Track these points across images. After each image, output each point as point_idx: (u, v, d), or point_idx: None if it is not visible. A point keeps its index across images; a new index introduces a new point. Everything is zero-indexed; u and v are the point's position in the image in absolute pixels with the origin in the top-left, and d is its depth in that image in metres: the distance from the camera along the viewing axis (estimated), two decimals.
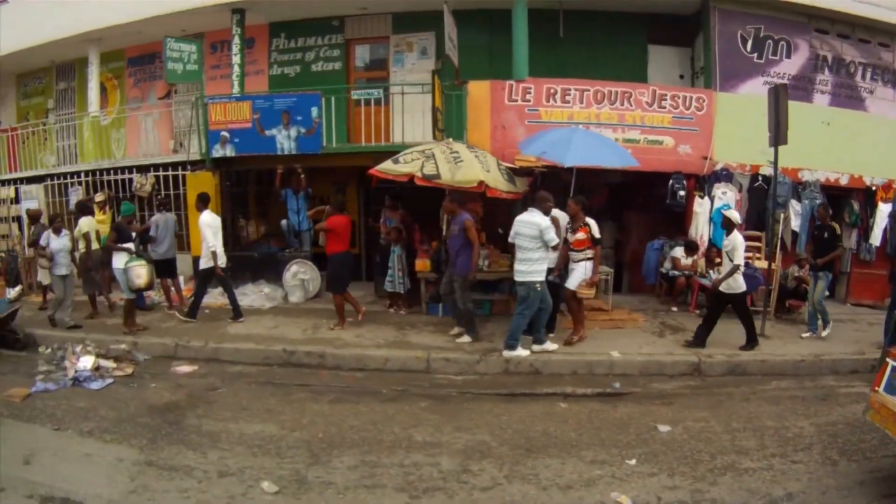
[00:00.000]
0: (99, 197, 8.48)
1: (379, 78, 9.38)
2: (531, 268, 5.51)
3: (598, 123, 8.02)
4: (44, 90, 12.34)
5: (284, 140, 7.87)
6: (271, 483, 3.66)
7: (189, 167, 8.38)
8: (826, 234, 6.80)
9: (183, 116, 10.41)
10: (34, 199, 9.41)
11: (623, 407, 4.99)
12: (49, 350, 6.54)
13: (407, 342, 6.40)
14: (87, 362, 5.85)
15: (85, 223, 7.56)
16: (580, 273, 6.00)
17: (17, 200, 9.77)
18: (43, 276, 7.61)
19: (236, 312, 7.09)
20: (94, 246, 7.50)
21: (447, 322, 6.95)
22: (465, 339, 6.23)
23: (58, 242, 6.85)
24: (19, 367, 6.03)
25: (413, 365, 5.93)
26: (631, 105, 8.16)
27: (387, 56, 9.45)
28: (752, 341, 6.14)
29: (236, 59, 8.94)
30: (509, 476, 3.74)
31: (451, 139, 7.06)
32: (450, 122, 8.03)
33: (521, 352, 5.73)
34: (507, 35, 8.37)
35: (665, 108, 8.21)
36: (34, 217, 8.36)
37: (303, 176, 7.91)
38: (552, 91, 8.04)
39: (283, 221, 8.09)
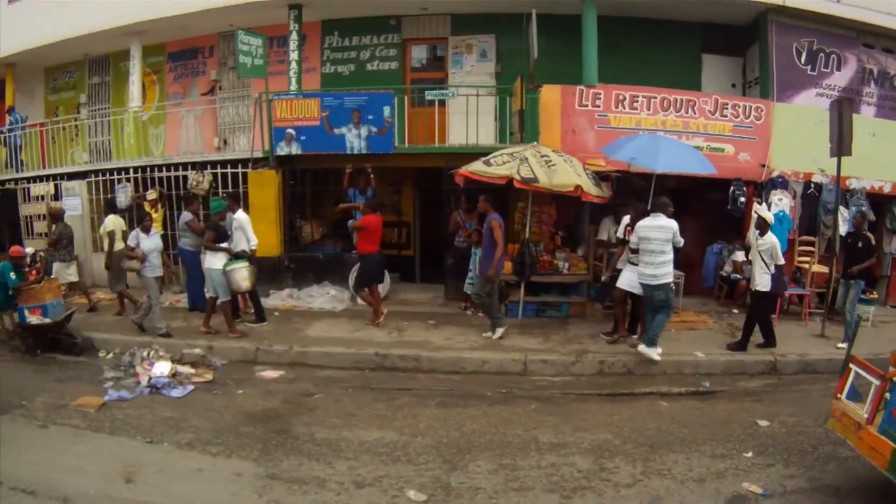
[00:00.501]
0: (151, 195, 8.20)
1: (436, 79, 9.33)
2: (664, 270, 5.63)
3: (665, 130, 8.13)
4: (75, 84, 11.90)
5: (354, 139, 7.76)
6: (417, 491, 3.59)
7: (250, 164, 8.16)
8: (860, 244, 6.95)
9: (227, 113, 10.20)
10: (76, 195, 9.02)
11: (719, 404, 5.19)
12: (111, 355, 6.31)
13: (498, 344, 6.37)
14: (163, 368, 5.63)
15: (110, 221, 7.41)
16: (636, 275, 6.02)
17: (56, 197, 9.36)
18: (113, 278, 7.37)
19: (259, 315, 6.95)
20: (119, 245, 7.31)
21: (527, 324, 6.97)
22: (491, 333, 6.44)
23: (149, 242, 6.54)
24: (80, 373, 5.82)
25: (510, 367, 5.93)
26: (694, 113, 8.29)
27: (444, 57, 9.41)
28: (769, 339, 6.27)
29: (294, 56, 8.78)
30: (645, 472, 3.86)
31: (535, 143, 7.06)
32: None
33: (656, 351, 5.80)
34: (567, 40, 8.45)
35: (726, 116, 8.37)
36: (56, 216, 8.01)
37: (372, 176, 7.80)
38: (621, 97, 8.12)
39: (350, 221, 7.95)
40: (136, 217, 7.47)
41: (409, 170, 8.92)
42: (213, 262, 6.41)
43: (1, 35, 10.95)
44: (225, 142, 10.18)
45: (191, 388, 5.35)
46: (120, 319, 7.28)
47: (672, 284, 5.78)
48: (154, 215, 8.21)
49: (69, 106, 11.92)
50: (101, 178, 9.14)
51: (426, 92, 7.97)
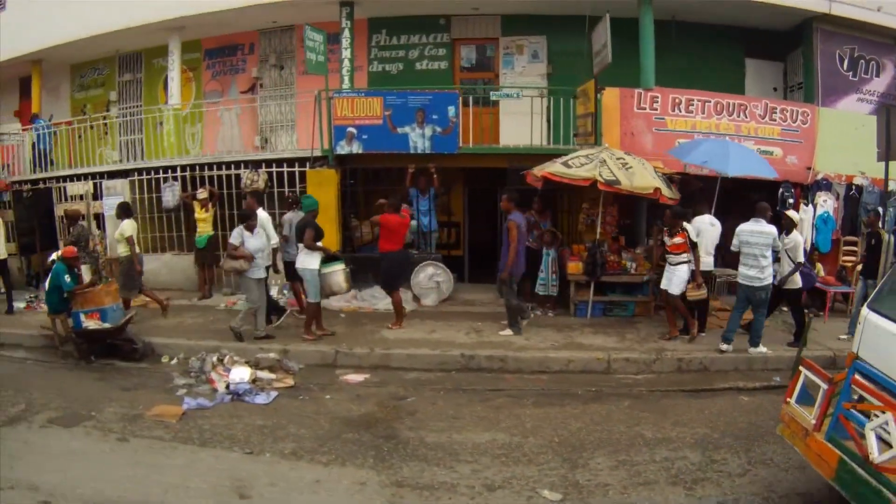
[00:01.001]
0: (202, 193, 7.98)
1: (486, 79, 9.34)
2: (767, 273, 5.82)
3: (718, 133, 8.27)
4: (104, 82, 11.60)
5: (418, 139, 7.71)
6: (550, 491, 3.60)
7: (308, 163, 8.04)
8: (874, 241, 7.02)
9: (269, 112, 10.05)
10: (118, 195, 8.75)
11: None
12: (175, 360, 6.14)
13: (577, 343, 6.41)
14: (242, 374, 5.46)
15: (128, 226, 7.22)
16: (682, 276, 6.19)
17: (97, 196, 9.10)
18: (127, 283, 7.14)
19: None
20: (136, 249, 7.21)
21: (597, 323, 7.07)
22: (508, 332, 6.52)
23: (255, 242, 6.21)
24: (146, 380, 5.66)
25: (594, 366, 5.97)
26: (745, 117, 8.45)
27: (493, 57, 9.43)
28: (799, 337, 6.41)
29: (346, 54, 8.70)
30: (751, 462, 3.98)
31: (605, 145, 7.11)
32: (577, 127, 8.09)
33: (763, 349, 6.04)
34: (621, 43, 8.50)
35: (775, 120, 8.56)
36: (74, 217, 7.76)
37: (435, 176, 7.77)
38: (677, 101, 8.24)
39: (413, 222, 7.90)
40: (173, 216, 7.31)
41: (458, 170, 8.90)
42: (310, 262, 6.20)
43: (28, 31, 10.65)
44: (266, 140, 10.02)
45: (274, 394, 5.21)
46: (179, 322, 7.11)
47: (771, 287, 5.96)
48: (204, 215, 8.07)
49: (98, 104, 11.61)
50: (143, 176, 8.91)
51: (491, 93, 7.95)
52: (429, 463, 3.94)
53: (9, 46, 11.05)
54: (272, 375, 5.69)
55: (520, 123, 8.24)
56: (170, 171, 8.77)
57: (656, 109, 8.17)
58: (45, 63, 11.39)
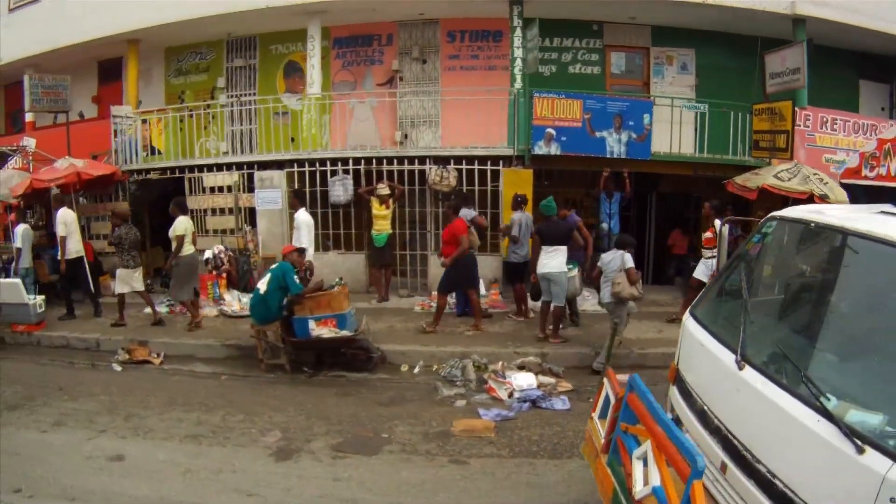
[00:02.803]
0: (383, 189, 7.61)
1: (635, 86, 9.57)
2: None
3: (855, 150, 8.96)
4: (208, 67, 10.70)
5: (615, 143, 7.81)
6: None
7: (503, 162, 7.89)
8: None
9: (409, 106, 9.75)
10: (275, 188, 8.18)
11: None
12: (416, 369, 5.85)
13: None
14: (529, 380, 5.39)
15: (181, 224, 6.83)
16: (707, 267, 6.48)
17: (248, 188, 8.45)
18: (178, 286, 6.88)
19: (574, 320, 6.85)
20: (190, 249, 6.85)
21: None
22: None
23: None
24: (402, 392, 5.33)
25: None
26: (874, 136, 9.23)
27: (642, 65, 9.68)
28: None
29: (519, 53, 8.60)
30: None
31: (795, 161, 7.51)
32: (743, 141, 8.48)
33: None
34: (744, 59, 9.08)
35: None
36: (122, 216, 7.19)
37: (628, 180, 7.91)
38: (824, 119, 8.83)
39: (604, 224, 7.99)
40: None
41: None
42: (557, 265, 6.14)
43: (124, 8, 9.69)
44: (406, 136, 9.71)
45: (565, 398, 5.14)
46: (389, 328, 6.77)
47: None
48: (385, 212, 7.70)
49: (200, 90, 10.71)
50: (302, 168, 8.37)
51: (682, 103, 8.17)
52: None
53: (96, 24, 10.05)
54: (552, 380, 5.62)
55: (664, 131, 8.48)
56: (322, 163, 8.28)
57: (808, 126, 8.73)
58: (143, 44, 10.39)
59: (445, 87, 9.44)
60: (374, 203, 7.63)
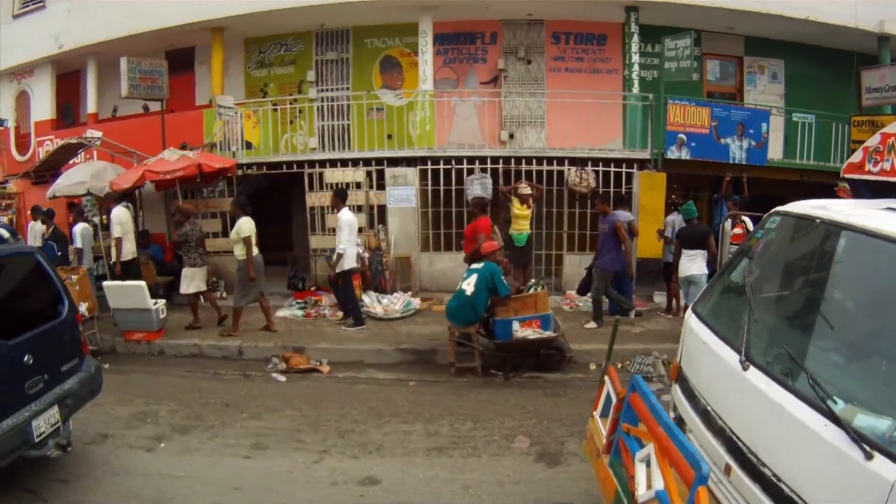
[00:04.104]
0: (524, 189, 7.70)
1: (729, 93, 9.98)
2: None
3: None
4: (295, 59, 10.40)
5: (737, 150, 8.19)
6: None
7: (639, 165, 8.12)
8: None
9: (514, 106, 9.83)
10: (408, 185, 8.12)
11: None
12: (595, 366, 5.89)
13: None
14: None
15: (246, 225, 6.61)
16: None
17: (380, 186, 8.30)
18: (241, 290, 6.64)
19: (357, 319, 6.86)
20: (254, 252, 6.69)
21: None
22: (592, 325, 6.79)
23: None
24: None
25: None
26: None
27: (735, 74, 10.09)
28: None
29: (636, 59, 8.86)
30: None
31: None
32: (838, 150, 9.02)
33: None
34: (837, 71, 9.66)
35: None
36: (186, 214, 7.06)
37: (746, 185, 8.31)
38: None
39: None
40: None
41: (705, 177, 9.46)
42: (698, 268, 6.41)
43: None
44: (511, 136, 9.79)
45: None
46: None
47: None
48: (525, 211, 7.75)
49: (285, 83, 10.42)
50: (435, 165, 8.26)
51: (794, 115, 8.59)
52: None
53: (177, 11, 9.67)
54: None
55: (771, 140, 8.96)
56: (475, 161, 8.25)
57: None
58: (227, 32, 10.02)
59: (550, 88, 9.59)
60: (515, 202, 7.66)
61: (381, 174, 8.41)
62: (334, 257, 6.75)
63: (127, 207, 7.64)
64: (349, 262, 6.74)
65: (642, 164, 8.15)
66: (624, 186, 8.04)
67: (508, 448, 4.32)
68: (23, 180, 10.43)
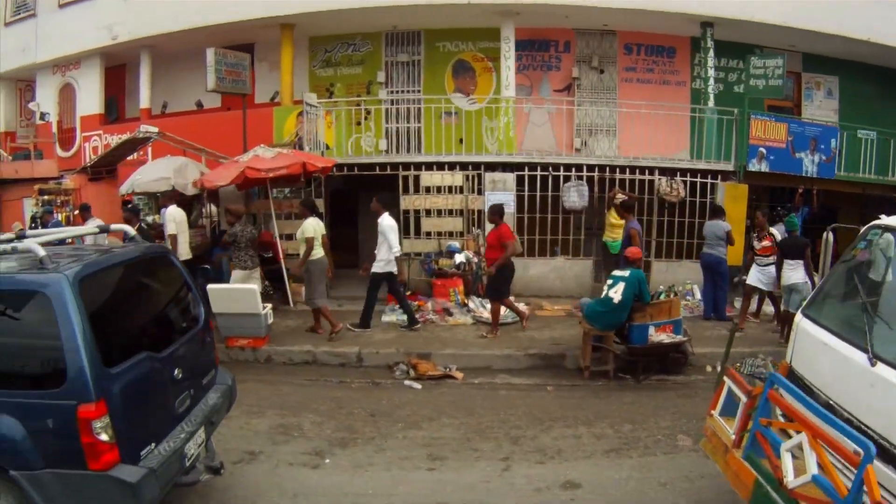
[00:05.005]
0: (620, 197, 7.94)
1: (787, 108, 10.45)
2: None
3: None
4: (363, 59, 10.37)
5: (809, 164, 8.64)
6: None
7: (720, 176, 8.44)
8: None
9: (586, 115, 10.06)
10: (507, 190, 8.17)
11: None
12: (718, 368, 5.88)
13: None
14: None
15: (310, 225, 6.67)
16: (764, 275, 6.99)
17: (480, 190, 8.36)
18: (313, 291, 6.62)
19: (411, 320, 6.94)
20: (320, 253, 6.71)
21: None
22: None
23: None
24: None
25: None
26: None
27: (793, 88, 10.56)
28: None
29: (711, 73, 9.20)
30: None
31: None
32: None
33: None
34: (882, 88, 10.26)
35: None
36: (237, 215, 6.98)
37: (816, 197, 8.78)
38: None
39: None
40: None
41: (776, 189, 9.78)
42: (799, 276, 6.69)
43: None
44: (584, 143, 10.02)
45: None
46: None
47: None
48: (620, 220, 7.88)
49: (353, 84, 10.40)
50: (536, 172, 8.34)
51: (858, 131, 9.08)
52: None
53: (244, 5, 9.54)
54: None
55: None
56: (544, 168, 8.45)
57: None
58: (296, 29, 9.91)
59: (622, 98, 9.85)
60: (612, 211, 7.91)
61: (472, 178, 8.46)
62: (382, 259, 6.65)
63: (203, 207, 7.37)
64: (389, 266, 6.73)
65: (725, 175, 8.51)
66: (709, 196, 8.38)
67: (675, 446, 4.48)
68: (79, 175, 10.14)
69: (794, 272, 6.72)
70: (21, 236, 3.41)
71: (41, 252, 2.81)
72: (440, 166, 8.42)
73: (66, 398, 2.58)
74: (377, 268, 6.75)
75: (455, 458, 4.26)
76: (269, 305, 6.63)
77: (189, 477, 3.19)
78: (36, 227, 9.04)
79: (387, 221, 6.70)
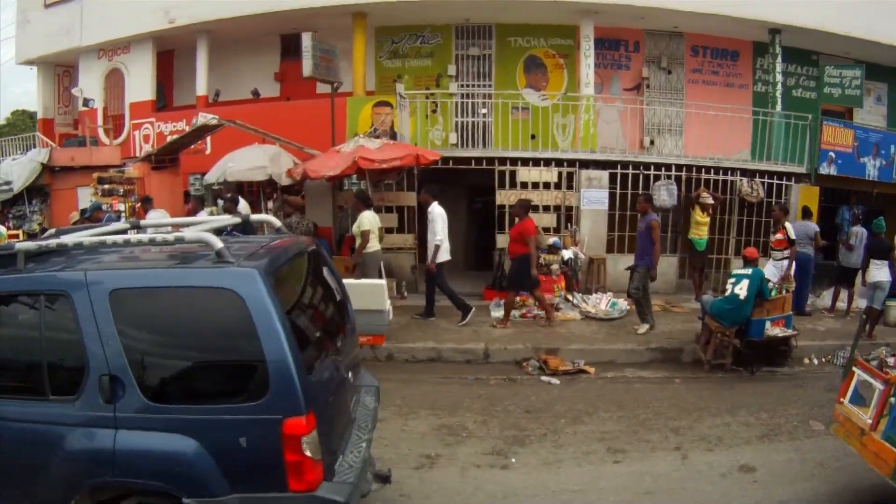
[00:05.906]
0: (706, 197, 8.17)
1: (839, 113, 10.95)
2: None
3: None
4: (432, 52, 10.33)
5: (871, 168, 9.21)
6: None
7: (794, 178, 8.86)
8: None
9: (655, 114, 10.34)
10: (602, 188, 8.37)
11: None
12: (816, 361, 6.43)
13: None
14: None
15: (367, 219, 6.69)
16: (777, 269, 7.33)
17: (566, 185, 8.51)
18: None
19: (427, 311, 7.03)
20: (376, 246, 6.75)
21: None
22: (644, 327, 6.91)
23: None
24: (834, 381, 5.36)
25: None
26: None
27: None
28: None
29: (780, 78, 9.61)
30: None
31: None
32: None
33: None
34: None
35: None
36: (296, 207, 7.10)
37: (874, 199, 9.38)
38: None
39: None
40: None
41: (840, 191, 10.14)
42: (884, 275, 7.17)
43: None
44: (652, 142, 10.33)
45: None
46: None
47: None
48: (706, 218, 8.19)
49: (421, 76, 10.36)
50: (632, 171, 8.53)
51: None
52: None
53: None
54: None
55: None
56: (663, 168, 8.64)
57: None
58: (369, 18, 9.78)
59: (689, 98, 10.18)
60: (697, 209, 8.19)
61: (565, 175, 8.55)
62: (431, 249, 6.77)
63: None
64: (445, 255, 6.88)
65: (798, 177, 8.98)
66: (783, 197, 8.83)
67: (813, 431, 4.70)
68: (142, 164, 9.80)
69: (880, 271, 7.21)
70: (135, 225, 3.14)
71: (218, 244, 2.37)
72: (536, 162, 8.54)
73: (268, 412, 2.24)
74: (443, 256, 6.84)
75: (633, 450, 4.41)
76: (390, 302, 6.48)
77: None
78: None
79: (437, 210, 6.79)
